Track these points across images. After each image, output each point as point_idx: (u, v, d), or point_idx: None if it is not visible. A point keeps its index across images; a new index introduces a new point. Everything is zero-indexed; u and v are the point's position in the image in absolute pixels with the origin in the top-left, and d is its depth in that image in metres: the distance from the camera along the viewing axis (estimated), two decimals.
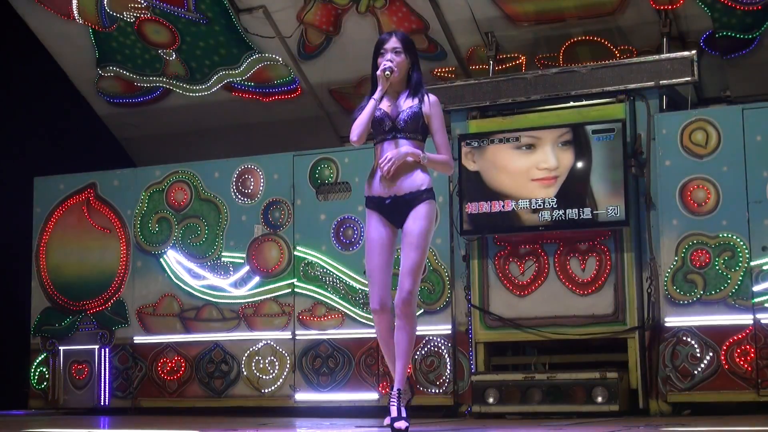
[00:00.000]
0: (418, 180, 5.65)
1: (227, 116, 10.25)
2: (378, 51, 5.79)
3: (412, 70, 5.78)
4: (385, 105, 5.73)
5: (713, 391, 7.40)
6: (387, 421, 5.68)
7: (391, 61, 5.70)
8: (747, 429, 6.05)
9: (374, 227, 5.74)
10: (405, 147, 5.65)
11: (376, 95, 5.69)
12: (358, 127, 5.70)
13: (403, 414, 5.57)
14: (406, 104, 5.72)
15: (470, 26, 9.04)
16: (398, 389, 5.61)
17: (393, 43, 5.76)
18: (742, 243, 7.43)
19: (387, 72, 5.68)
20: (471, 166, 8.00)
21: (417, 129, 5.68)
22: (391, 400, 5.60)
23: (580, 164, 7.74)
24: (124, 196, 9.33)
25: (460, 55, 9.27)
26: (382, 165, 5.63)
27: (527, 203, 7.83)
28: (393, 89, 5.77)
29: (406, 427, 5.51)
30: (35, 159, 10.22)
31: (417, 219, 5.61)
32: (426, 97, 5.72)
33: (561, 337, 7.80)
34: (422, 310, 8.23)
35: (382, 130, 5.70)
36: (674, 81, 7.81)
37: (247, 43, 9.69)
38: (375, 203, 5.75)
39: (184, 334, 9.00)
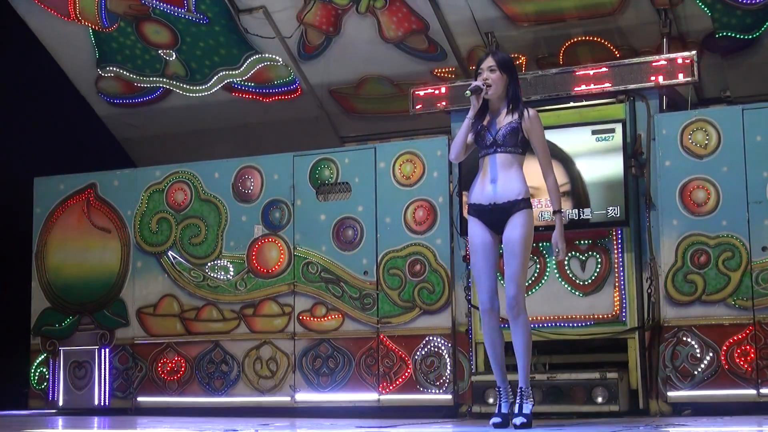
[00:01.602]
0: (516, 189, 5.97)
1: (227, 116, 10.25)
2: (476, 72, 6.13)
3: (509, 86, 6.06)
4: (487, 120, 6.07)
5: (713, 391, 7.40)
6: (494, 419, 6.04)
7: (486, 79, 6.02)
8: (747, 429, 6.05)
9: (476, 232, 6.07)
10: (559, 241, 6.03)
11: (470, 114, 6.05)
12: (454, 146, 6.11)
13: (524, 411, 5.98)
14: (506, 119, 6.03)
15: (470, 27, 9.04)
16: (521, 388, 6.01)
17: (488, 62, 6.08)
18: (742, 243, 7.43)
19: (467, 92, 6.04)
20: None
21: (516, 143, 6.00)
22: (517, 399, 6.03)
23: (580, 165, 7.74)
24: (124, 196, 9.33)
25: (460, 56, 9.28)
26: (557, 257, 6.08)
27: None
28: (494, 106, 6.09)
29: (522, 423, 5.89)
30: (35, 159, 10.21)
31: (515, 227, 5.96)
32: (526, 112, 6.02)
33: (561, 337, 7.80)
34: (422, 311, 8.25)
35: (484, 145, 6.05)
36: (674, 81, 7.81)
37: (248, 44, 9.70)
38: (476, 210, 6.06)
39: (184, 335, 9.00)
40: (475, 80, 6.10)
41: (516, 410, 6.03)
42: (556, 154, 7.58)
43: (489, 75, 6.04)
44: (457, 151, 6.10)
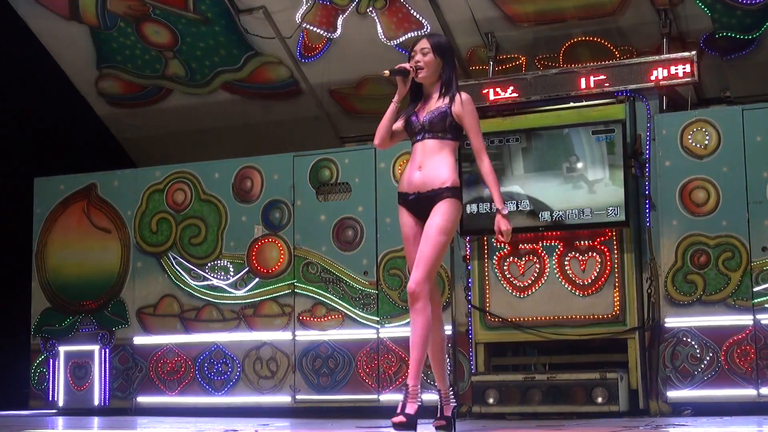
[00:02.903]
0: (441, 177, 5.57)
1: (227, 116, 10.25)
2: (410, 54, 5.77)
3: (443, 71, 5.71)
4: (418, 106, 5.73)
5: (713, 391, 7.40)
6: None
7: (418, 62, 5.66)
8: (747, 429, 6.05)
9: (405, 222, 5.71)
10: (503, 223, 5.52)
11: (395, 98, 5.70)
12: (379, 131, 5.72)
13: (408, 411, 5.34)
14: (437, 104, 5.67)
15: (470, 27, 9.04)
16: (406, 384, 5.42)
17: (422, 44, 5.71)
18: (742, 243, 7.43)
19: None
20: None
21: (444, 128, 5.62)
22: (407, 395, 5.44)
23: (580, 165, 7.75)
24: (124, 196, 9.33)
25: (460, 56, 9.27)
26: (498, 239, 5.55)
27: (527, 203, 7.84)
28: (427, 90, 5.74)
29: (401, 423, 5.29)
30: (35, 159, 10.22)
31: (434, 215, 5.54)
32: (458, 96, 5.64)
33: (561, 337, 7.80)
34: None
35: (412, 131, 5.70)
36: (674, 81, 7.81)
37: (247, 44, 9.69)
38: (402, 199, 5.71)
39: (184, 335, 9.00)
40: (408, 62, 5.72)
41: (400, 409, 5.37)
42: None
43: (421, 58, 5.65)
44: (381, 137, 5.69)
